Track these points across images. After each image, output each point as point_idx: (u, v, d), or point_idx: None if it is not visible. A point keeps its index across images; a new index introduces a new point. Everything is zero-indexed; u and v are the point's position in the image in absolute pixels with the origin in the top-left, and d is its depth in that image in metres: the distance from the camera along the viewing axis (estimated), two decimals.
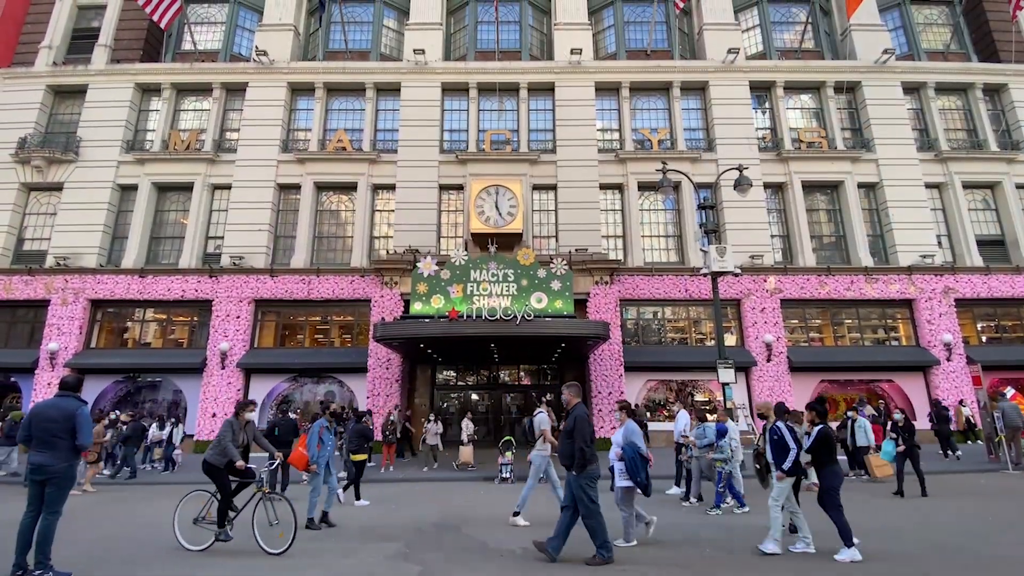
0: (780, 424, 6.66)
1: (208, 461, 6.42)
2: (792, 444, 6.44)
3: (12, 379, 19.30)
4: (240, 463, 6.36)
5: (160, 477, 13.56)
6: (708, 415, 10.82)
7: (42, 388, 18.11)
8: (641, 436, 6.53)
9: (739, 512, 8.53)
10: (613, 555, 5.81)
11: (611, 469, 6.69)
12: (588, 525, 5.81)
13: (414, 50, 21.65)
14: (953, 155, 21.25)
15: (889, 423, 11.80)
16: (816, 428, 6.42)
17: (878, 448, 11.86)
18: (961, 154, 21.32)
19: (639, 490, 6.28)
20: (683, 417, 10.87)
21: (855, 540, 5.96)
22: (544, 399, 9.49)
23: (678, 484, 10.52)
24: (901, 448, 10.28)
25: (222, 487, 6.40)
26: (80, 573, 5.43)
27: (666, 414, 18.78)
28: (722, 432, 9.10)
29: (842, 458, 12.63)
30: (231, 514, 6.48)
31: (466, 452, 14.20)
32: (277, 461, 6.99)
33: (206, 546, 6.30)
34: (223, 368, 18.48)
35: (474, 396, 20.94)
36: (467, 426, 14.92)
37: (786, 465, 6.37)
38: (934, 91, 22.23)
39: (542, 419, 8.60)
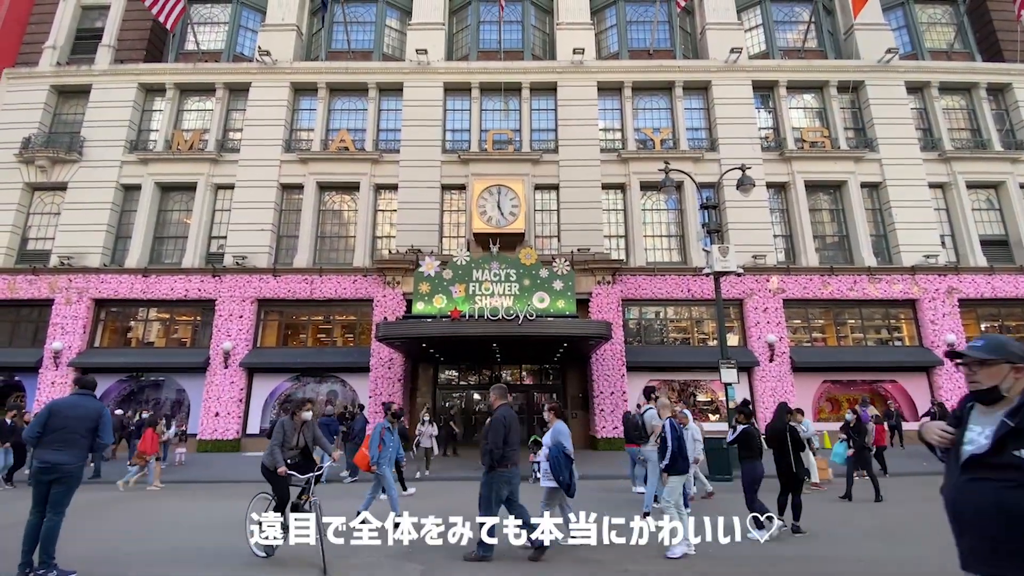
0: (668, 421, 6.52)
1: (263, 463, 6.28)
2: (670, 443, 6.26)
3: (16, 378, 19.39)
4: (282, 469, 6.03)
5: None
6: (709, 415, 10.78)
7: (46, 387, 18.20)
8: (568, 436, 6.46)
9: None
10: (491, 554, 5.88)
11: (536, 469, 6.68)
12: (480, 523, 5.77)
13: (416, 50, 21.64)
14: (957, 155, 21.15)
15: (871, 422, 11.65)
16: (741, 427, 6.69)
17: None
18: (965, 154, 21.23)
19: (563, 490, 6.24)
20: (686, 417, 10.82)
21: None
22: (654, 396, 9.37)
23: None
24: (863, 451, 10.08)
25: (276, 490, 6.20)
26: (84, 572, 5.46)
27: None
28: None
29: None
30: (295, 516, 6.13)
31: None
32: (331, 462, 6.84)
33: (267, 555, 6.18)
34: (226, 367, 18.52)
35: (476, 396, 20.95)
36: None
37: (663, 464, 6.28)
38: (938, 91, 22.12)
39: (652, 415, 8.44)
